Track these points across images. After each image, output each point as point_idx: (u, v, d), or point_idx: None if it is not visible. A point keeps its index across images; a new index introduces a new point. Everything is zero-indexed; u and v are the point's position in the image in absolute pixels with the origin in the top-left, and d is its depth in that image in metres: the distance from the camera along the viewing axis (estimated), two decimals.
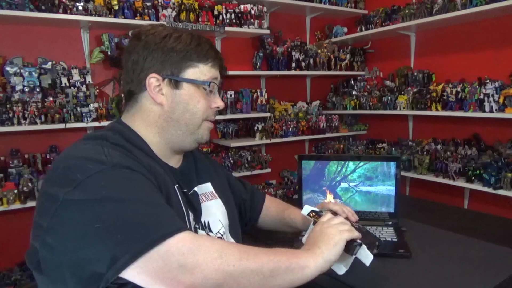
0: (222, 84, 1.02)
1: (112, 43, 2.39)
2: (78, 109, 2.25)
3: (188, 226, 0.84)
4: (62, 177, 0.71)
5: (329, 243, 0.81)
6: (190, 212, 0.88)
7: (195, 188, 0.97)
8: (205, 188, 1.02)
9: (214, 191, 1.03)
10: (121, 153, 0.77)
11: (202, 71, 0.88)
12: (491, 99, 2.27)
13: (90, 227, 0.64)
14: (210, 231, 0.94)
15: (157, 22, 2.44)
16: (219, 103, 0.94)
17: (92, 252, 0.64)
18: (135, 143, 0.85)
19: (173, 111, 0.88)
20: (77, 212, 0.66)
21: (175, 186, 0.87)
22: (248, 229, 1.26)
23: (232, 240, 1.00)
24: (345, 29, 3.44)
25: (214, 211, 0.99)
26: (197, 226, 0.91)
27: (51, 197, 0.69)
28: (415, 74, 2.92)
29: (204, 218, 0.94)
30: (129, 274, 0.63)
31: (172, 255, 0.64)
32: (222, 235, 0.96)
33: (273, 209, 1.26)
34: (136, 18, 2.40)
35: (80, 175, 0.69)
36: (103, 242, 0.64)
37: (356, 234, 0.85)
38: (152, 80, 0.86)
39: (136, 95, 0.89)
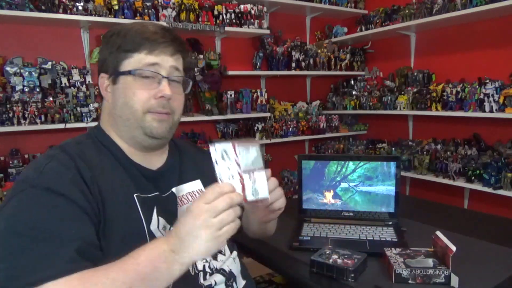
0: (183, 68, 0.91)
1: None
2: (78, 109, 2.25)
3: (148, 232, 0.81)
4: None
5: (195, 252, 0.66)
6: (160, 218, 0.84)
7: (173, 189, 0.92)
8: (191, 187, 0.96)
9: (203, 189, 0.97)
10: (62, 167, 0.75)
11: (137, 60, 0.83)
12: (491, 99, 2.27)
13: None
14: None
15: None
16: (163, 91, 0.83)
17: None
18: (108, 148, 0.86)
19: (115, 107, 0.86)
20: None
21: (135, 195, 0.83)
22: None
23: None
24: (345, 29, 3.44)
25: None
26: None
27: None
28: (415, 74, 2.93)
29: None
30: None
31: None
32: None
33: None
34: (136, 18, 2.39)
35: (12, 192, 0.72)
36: None
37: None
38: (102, 80, 0.87)
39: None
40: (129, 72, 0.83)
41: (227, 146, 0.74)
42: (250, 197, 0.75)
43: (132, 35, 0.83)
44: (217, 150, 0.74)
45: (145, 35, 0.83)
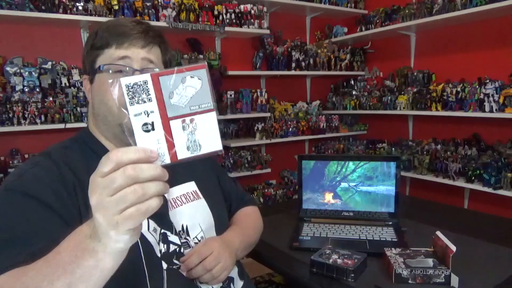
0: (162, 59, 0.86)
1: None
2: (78, 109, 2.25)
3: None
4: None
5: (107, 238, 0.48)
6: (150, 220, 0.82)
7: None
8: (185, 189, 0.95)
9: (198, 190, 0.97)
10: (42, 172, 0.75)
11: (107, 56, 0.81)
12: (491, 99, 2.28)
13: None
14: (188, 235, 0.90)
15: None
16: None
17: None
18: (95, 151, 0.84)
19: (93, 106, 0.85)
20: None
21: None
22: None
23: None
24: (345, 29, 3.44)
25: (194, 214, 0.92)
26: (167, 232, 0.86)
27: None
28: (415, 74, 2.93)
29: (182, 222, 0.89)
30: None
31: None
32: (199, 240, 0.90)
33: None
34: (136, 18, 2.40)
35: None
36: None
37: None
38: (84, 82, 0.87)
39: None
40: (99, 68, 0.81)
41: (145, 77, 0.46)
42: (183, 154, 0.48)
43: (103, 31, 0.82)
44: (127, 87, 0.45)
45: (115, 29, 0.81)
